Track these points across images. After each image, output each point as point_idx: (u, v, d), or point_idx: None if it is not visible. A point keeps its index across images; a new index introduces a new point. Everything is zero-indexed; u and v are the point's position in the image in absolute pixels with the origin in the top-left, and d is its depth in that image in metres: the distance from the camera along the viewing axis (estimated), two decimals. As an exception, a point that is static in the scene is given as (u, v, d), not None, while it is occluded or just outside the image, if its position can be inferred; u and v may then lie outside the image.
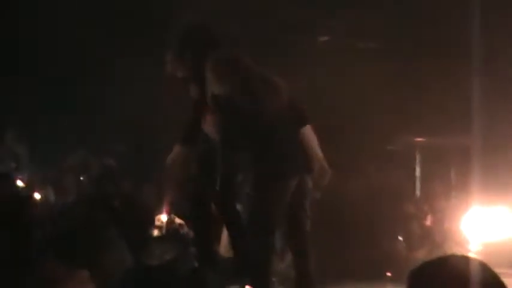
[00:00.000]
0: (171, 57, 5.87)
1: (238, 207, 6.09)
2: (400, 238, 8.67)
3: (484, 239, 8.80)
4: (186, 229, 7.58)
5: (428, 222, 9.32)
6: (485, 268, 2.28)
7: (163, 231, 7.59)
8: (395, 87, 9.65)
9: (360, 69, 9.51)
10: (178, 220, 7.68)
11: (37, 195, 8.14)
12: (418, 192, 9.95)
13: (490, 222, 9.05)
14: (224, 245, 7.88)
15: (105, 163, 9.60)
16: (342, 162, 9.24)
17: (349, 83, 9.61)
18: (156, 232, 7.68)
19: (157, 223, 7.71)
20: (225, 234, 7.87)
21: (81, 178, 9.12)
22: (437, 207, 9.65)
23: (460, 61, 9.27)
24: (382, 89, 9.44)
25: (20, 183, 8.26)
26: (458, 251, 8.13)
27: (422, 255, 8.21)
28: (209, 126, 5.70)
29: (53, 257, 6.68)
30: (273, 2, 10.06)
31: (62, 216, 7.77)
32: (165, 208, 8.10)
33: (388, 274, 8.19)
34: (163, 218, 7.75)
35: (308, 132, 5.60)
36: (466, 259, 2.31)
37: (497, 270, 2.27)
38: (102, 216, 7.69)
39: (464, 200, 9.15)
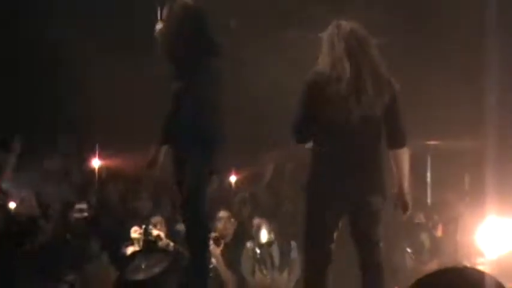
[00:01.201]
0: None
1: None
2: (409, 250, 8.46)
3: (500, 252, 8.53)
4: (164, 240, 7.42)
5: (439, 232, 9.12)
6: (494, 282, 2.14)
7: (140, 243, 7.42)
8: (404, 87, 9.39)
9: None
10: (155, 231, 7.51)
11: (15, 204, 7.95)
12: (428, 200, 9.71)
13: (507, 234, 8.78)
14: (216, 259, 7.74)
15: (87, 169, 9.45)
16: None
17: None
18: (134, 244, 7.53)
19: (133, 235, 7.53)
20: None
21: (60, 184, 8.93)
22: (449, 216, 9.43)
23: (473, 59, 9.06)
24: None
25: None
26: (471, 264, 7.89)
27: (432, 268, 7.97)
28: None
29: (35, 271, 6.56)
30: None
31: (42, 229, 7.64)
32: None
33: (396, 288, 7.98)
34: (140, 230, 7.57)
35: (402, 157, 5.02)
36: (473, 272, 2.20)
37: None
38: (82, 228, 7.58)
39: (479, 209, 8.88)
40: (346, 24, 5.04)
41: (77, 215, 7.87)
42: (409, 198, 5.02)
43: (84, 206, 8.00)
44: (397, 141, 4.98)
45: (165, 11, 5.79)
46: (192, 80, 5.56)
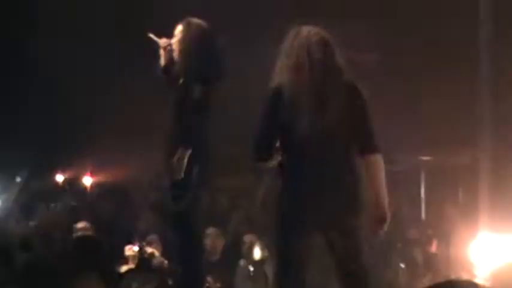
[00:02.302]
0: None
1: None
2: (402, 265, 8.48)
3: (492, 268, 8.59)
4: (158, 258, 7.48)
5: (433, 248, 9.14)
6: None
7: (135, 261, 7.48)
8: (395, 102, 9.48)
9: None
10: (149, 249, 7.57)
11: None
12: (422, 216, 9.75)
13: (500, 250, 8.82)
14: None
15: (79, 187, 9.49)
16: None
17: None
18: (128, 262, 7.58)
19: (128, 253, 7.59)
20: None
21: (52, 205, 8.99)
22: (442, 232, 9.46)
23: (466, 73, 9.14)
24: (382, 104, 9.28)
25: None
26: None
27: (425, 284, 8.01)
28: None
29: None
30: (270, 13, 9.98)
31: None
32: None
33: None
34: (134, 247, 7.63)
35: (374, 164, 4.65)
36: (472, 284, 2.28)
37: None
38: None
39: (472, 225, 8.93)
40: (304, 30, 4.75)
41: (79, 233, 7.93)
42: (387, 209, 4.56)
43: (85, 225, 8.06)
44: (368, 145, 4.61)
45: (177, 28, 5.91)
46: (196, 98, 5.69)
